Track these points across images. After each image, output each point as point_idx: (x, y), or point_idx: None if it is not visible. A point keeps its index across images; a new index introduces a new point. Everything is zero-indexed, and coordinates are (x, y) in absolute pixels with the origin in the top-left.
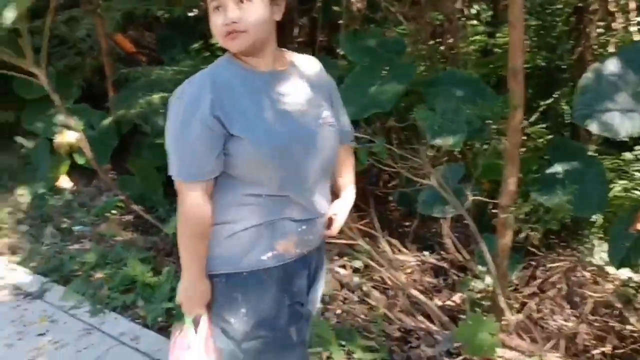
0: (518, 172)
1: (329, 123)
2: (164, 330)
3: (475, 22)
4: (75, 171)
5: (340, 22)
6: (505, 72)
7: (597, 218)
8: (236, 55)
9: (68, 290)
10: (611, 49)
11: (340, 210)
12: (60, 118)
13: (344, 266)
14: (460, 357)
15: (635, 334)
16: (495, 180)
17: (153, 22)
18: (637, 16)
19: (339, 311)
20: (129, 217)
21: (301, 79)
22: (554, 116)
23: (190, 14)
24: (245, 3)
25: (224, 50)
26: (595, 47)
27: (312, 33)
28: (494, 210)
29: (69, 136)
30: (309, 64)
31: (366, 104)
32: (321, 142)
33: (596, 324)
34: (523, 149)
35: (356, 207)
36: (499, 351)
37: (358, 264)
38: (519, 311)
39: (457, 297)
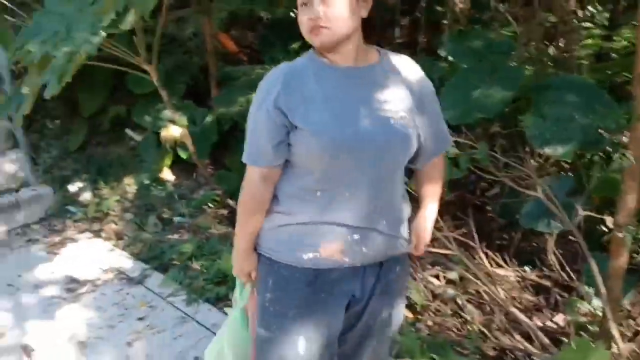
0: (638, 188)
1: (403, 125)
2: None
3: (589, 24)
4: (177, 164)
5: (445, 22)
6: (622, 79)
7: None
8: (319, 50)
9: (167, 278)
10: None
11: (426, 229)
12: (167, 113)
13: (437, 276)
14: None
15: None
16: (606, 196)
17: (255, 22)
18: None
19: (430, 323)
20: (224, 211)
21: (384, 78)
22: None
23: (292, 14)
24: None
25: None
26: None
27: (413, 33)
28: (603, 228)
29: (173, 131)
30: (401, 64)
31: (469, 109)
32: (388, 144)
33: None
34: None
35: (453, 216)
36: None
37: (453, 275)
38: (630, 340)
39: (559, 319)
